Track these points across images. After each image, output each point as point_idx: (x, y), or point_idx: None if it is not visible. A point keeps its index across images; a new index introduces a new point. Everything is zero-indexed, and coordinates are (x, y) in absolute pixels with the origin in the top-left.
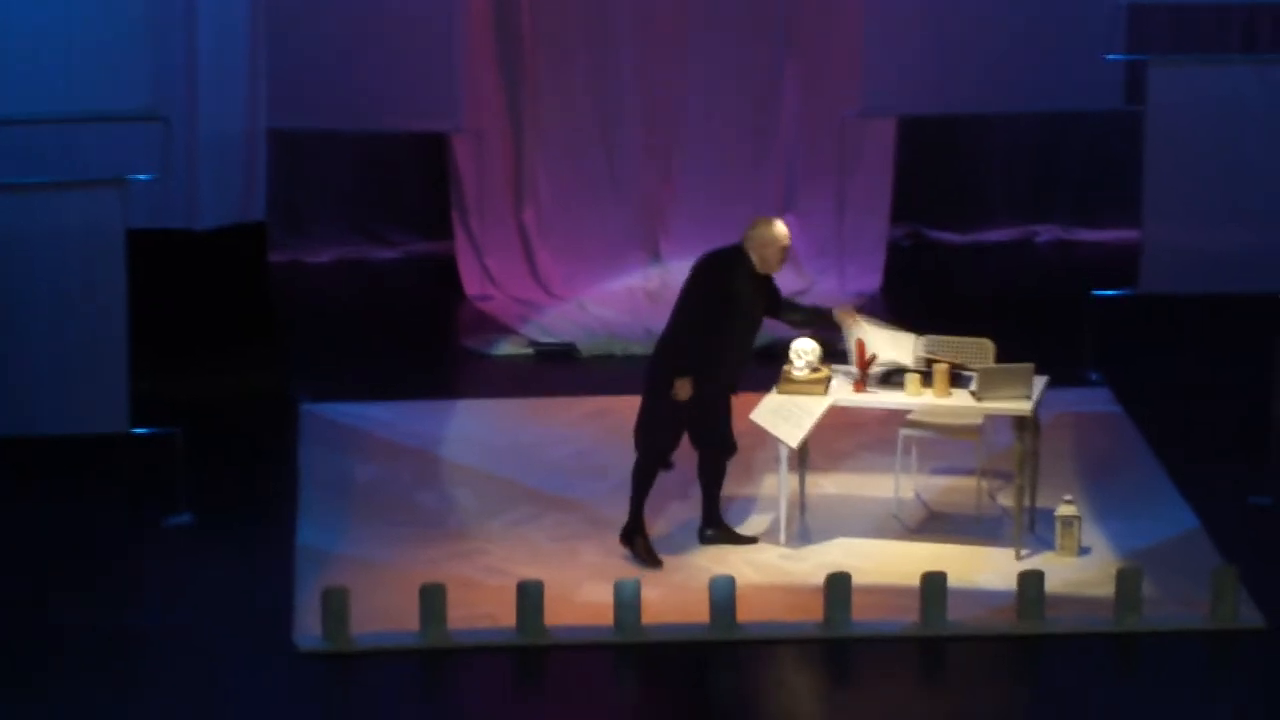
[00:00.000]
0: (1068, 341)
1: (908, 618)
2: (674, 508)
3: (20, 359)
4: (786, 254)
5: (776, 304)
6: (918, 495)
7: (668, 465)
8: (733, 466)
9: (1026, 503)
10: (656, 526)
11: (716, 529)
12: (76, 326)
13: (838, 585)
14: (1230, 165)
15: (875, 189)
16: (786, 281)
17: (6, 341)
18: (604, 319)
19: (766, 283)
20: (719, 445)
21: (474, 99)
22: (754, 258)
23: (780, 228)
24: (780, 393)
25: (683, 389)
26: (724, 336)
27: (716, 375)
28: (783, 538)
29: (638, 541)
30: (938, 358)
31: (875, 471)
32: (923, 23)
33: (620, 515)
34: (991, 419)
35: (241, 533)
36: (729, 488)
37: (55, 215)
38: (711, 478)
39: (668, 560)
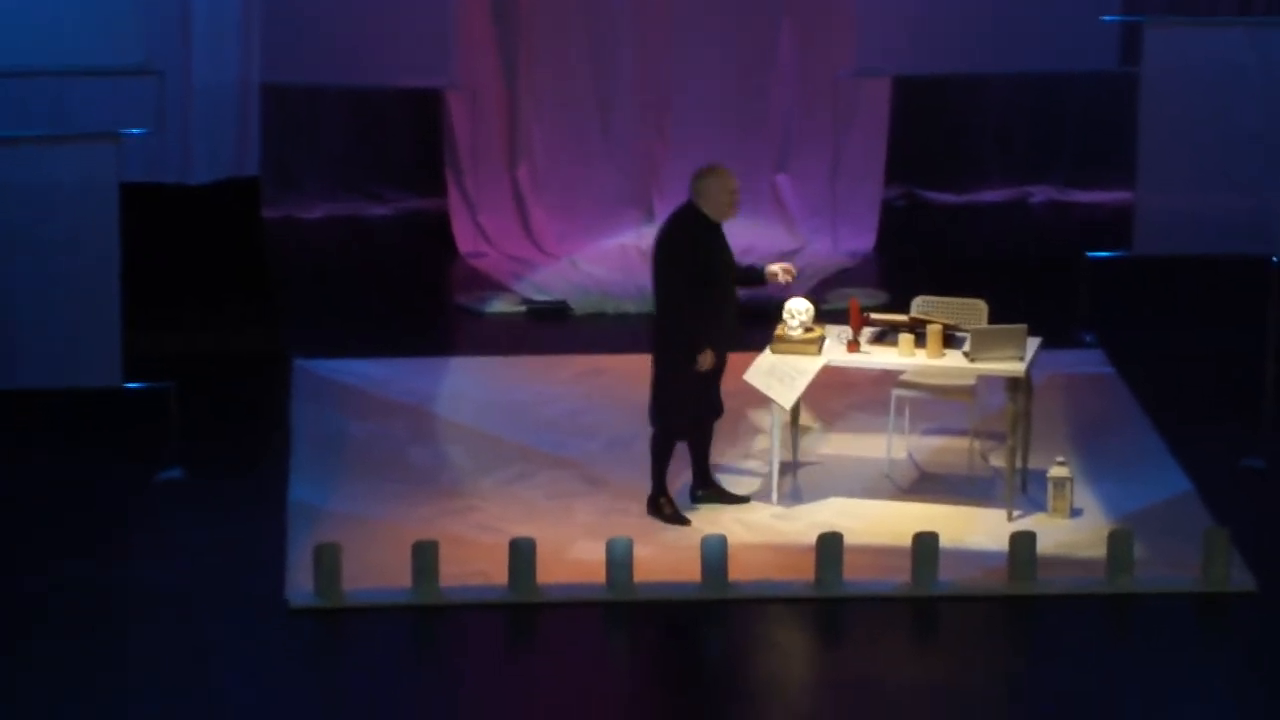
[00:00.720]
0: (1061, 303)
1: (899, 578)
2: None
3: (13, 312)
4: (736, 197)
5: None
6: (910, 456)
7: (684, 436)
8: (727, 425)
9: (1019, 464)
10: (645, 488)
11: (707, 489)
12: (69, 280)
13: (830, 545)
14: (1224, 128)
15: (869, 149)
16: (779, 241)
17: (1, 293)
18: (597, 277)
19: (720, 231)
20: (707, 410)
21: (468, 55)
22: (707, 210)
23: (725, 173)
24: (774, 352)
25: (705, 360)
26: (713, 293)
27: (721, 336)
28: (775, 497)
29: (663, 505)
30: (931, 318)
31: (868, 432)
32: None
33: (612, 474)
34: (984, 380)
35: (233, 488)
36: (721, 447)
37: (49, 169)
38: (699, 439)
39: (658, 520)
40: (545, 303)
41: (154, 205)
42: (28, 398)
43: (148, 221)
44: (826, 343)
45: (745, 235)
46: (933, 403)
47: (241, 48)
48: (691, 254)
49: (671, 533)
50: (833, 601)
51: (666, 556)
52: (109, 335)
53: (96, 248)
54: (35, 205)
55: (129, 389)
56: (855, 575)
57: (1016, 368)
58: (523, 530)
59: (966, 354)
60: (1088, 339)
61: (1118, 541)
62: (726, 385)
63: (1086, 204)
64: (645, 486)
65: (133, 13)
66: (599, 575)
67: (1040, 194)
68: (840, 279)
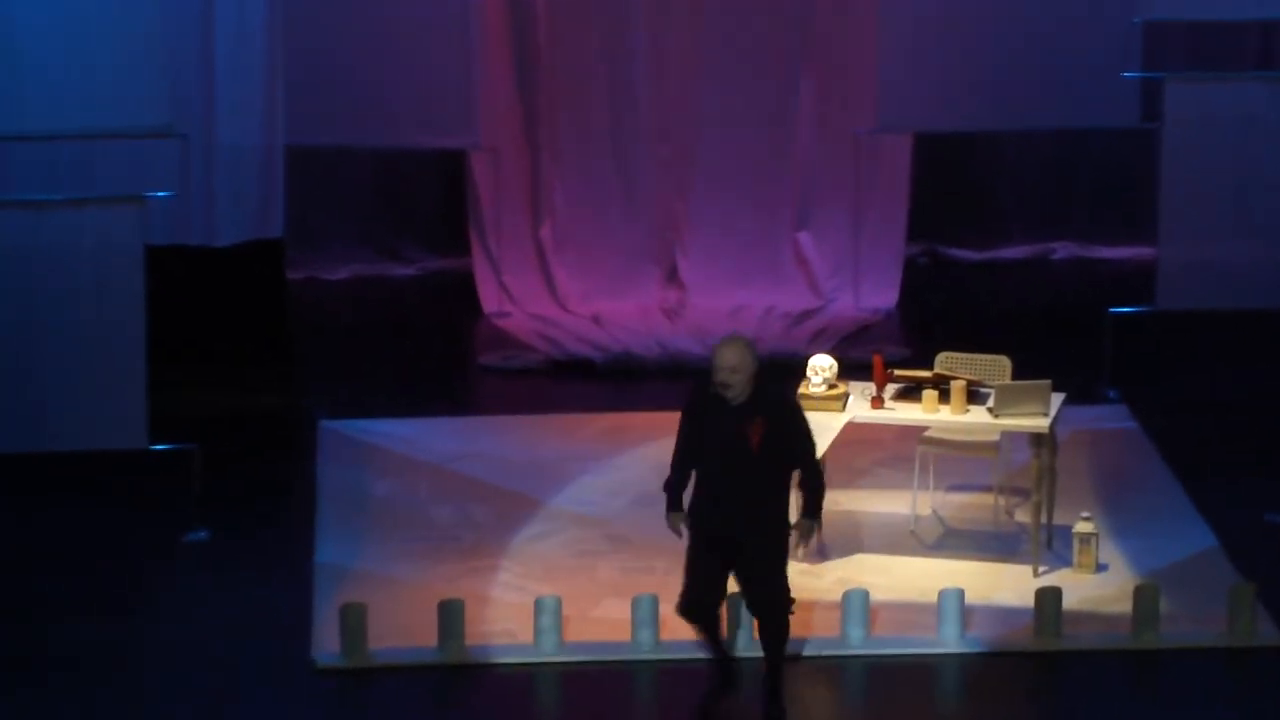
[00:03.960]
0: (1085, 358)
1: (925, 634)
2: None
3: (40, 374)
4: (720, 377)
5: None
6: (935, 511)
7: (686, 616)
8: None
9: (1044, 519)
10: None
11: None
12: (96, 342)
13: (855, 601)
14: (1246, 181)
15: (891, 206)
16: (802, 299)
17: (27, 357)
18: (620, 336)
19: (757, 415)
20: (711, 595)
21: (491, 116)
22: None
23: (720, 349)
24: None
25: (672, 522)
26: (704, 466)
27: (710, 515)
28: (800, 554)
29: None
30: (955, 375)
31: (892, 488)
32: (939, 39)
33: (636, 532)
34: (1009, 436)
35: (259, 549)
36: None
37: (74, 231)
38: (768, 640)
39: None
40: (569, 361)
41: (179, 267)
42: (55, 460)
43: (173, 283)
44: (850, 399)
45: (768, 293)
46: (957, 459)
47: (265, 109)
48: (687, 412)
49: None
50: (858, 659)
51: None
52: (135, 397)
53: (122, 309)
54: (62, 267)
55: (154, 450)
56: (881, 632)
57: (1041, 423)
58: (547, 589)
59: (991, 410)
60: (1111, 394)
61: (1143, 597)
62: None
63: (1109, 259)
64: (670, 544)
65: (158, 75)
66: (624, 634)
67: (1062, 250)
68: (863, 336)
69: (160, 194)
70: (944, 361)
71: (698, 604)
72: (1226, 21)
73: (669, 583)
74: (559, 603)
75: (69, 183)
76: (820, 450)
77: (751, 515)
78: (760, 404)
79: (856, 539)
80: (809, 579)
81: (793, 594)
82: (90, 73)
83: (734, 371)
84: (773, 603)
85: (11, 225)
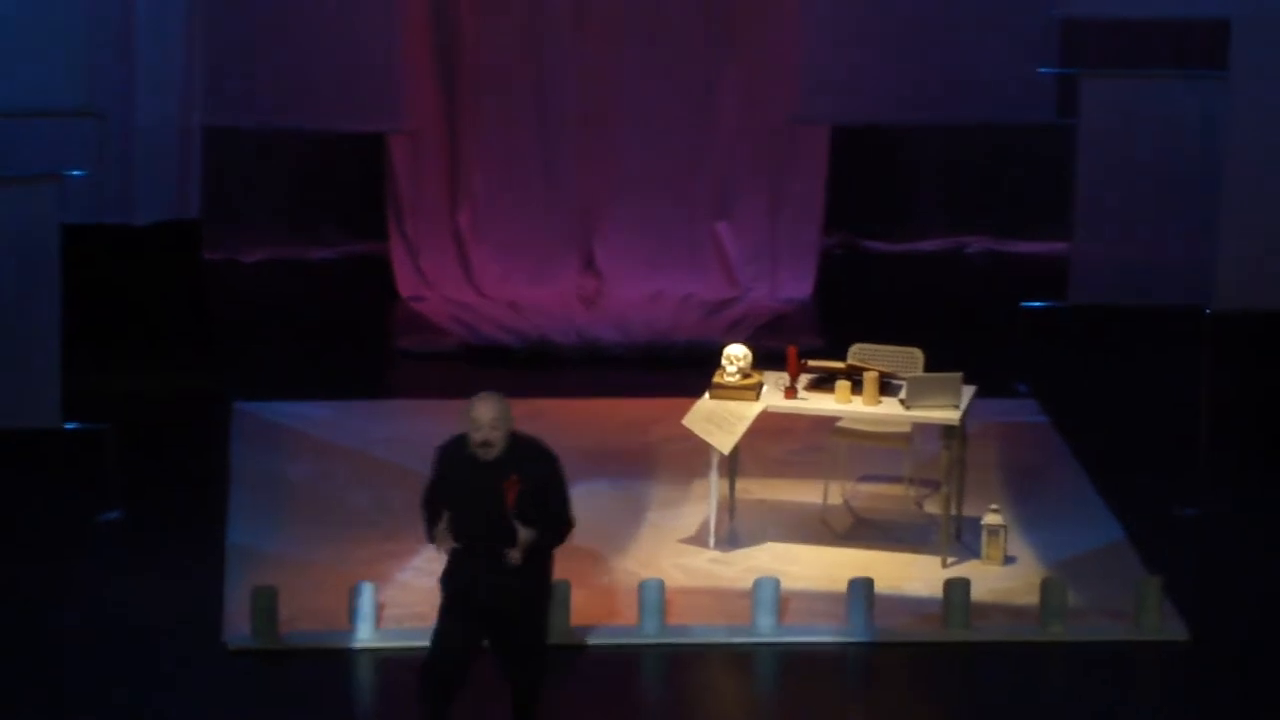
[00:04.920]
0: (996, 352)
1: (835, 623)
2: (605, 508)
3: None
4: (486, 436)
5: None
6: (846, 501)
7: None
8: (665, 469)
9: (953, 511)
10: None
11: None
12: (10, 320)
13: (766, 590)
14: (1161, 179)
15: (808, 197)
16: (718, 288)
17: None
18: (538, 322)
19: (512, 471)
20: (519, 671)
21: (411, 100)
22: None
23: (480, 407)
24: (712, 398)
25: (438, 536)
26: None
27: (460, 576)
28: (712, 541)
29: None
30: (867, 365)
31: (805, 478)
32: (858, 31)
33: None
34: (920, 427)
35: (172, 530)
36: (660, 491)
37: None
38: (521, 700)
39: (598, 563)
40: (485, 346)
41: (96, 246)
42: None
43: (89, 262)
44: (764, 389)
45: (685, 282)
46: (869, 449)
47: (184, 89)
48: (438, 470)
49: (608, 576)
50: (768, 647)
51: (603, 600)
52: (49, 375)
53: (37, 288)
54: None
55: (68, 429)
56: (791, 620)
57: (952, 416)
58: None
59: (903, 401)
60: (1021, 389)
61: (1051, 589)
62: (670, 430)
63: (1022, 254)
64: (582, 530)
65: (75, 54)
66: None
67: (977, 244)
68: (778, 326)
69: (77, 173)
70: (857, 353)
71: (440, 675)
72: (1142, 19)
73: (582, 568)
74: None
75: None
76: (733, 440)
77: (507, 577)
78: (516, 459)
79: (768, 528)
80: (721, 567)
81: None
82: (7, 51)
83: (494, 428)
84: (526, 671)
85: None
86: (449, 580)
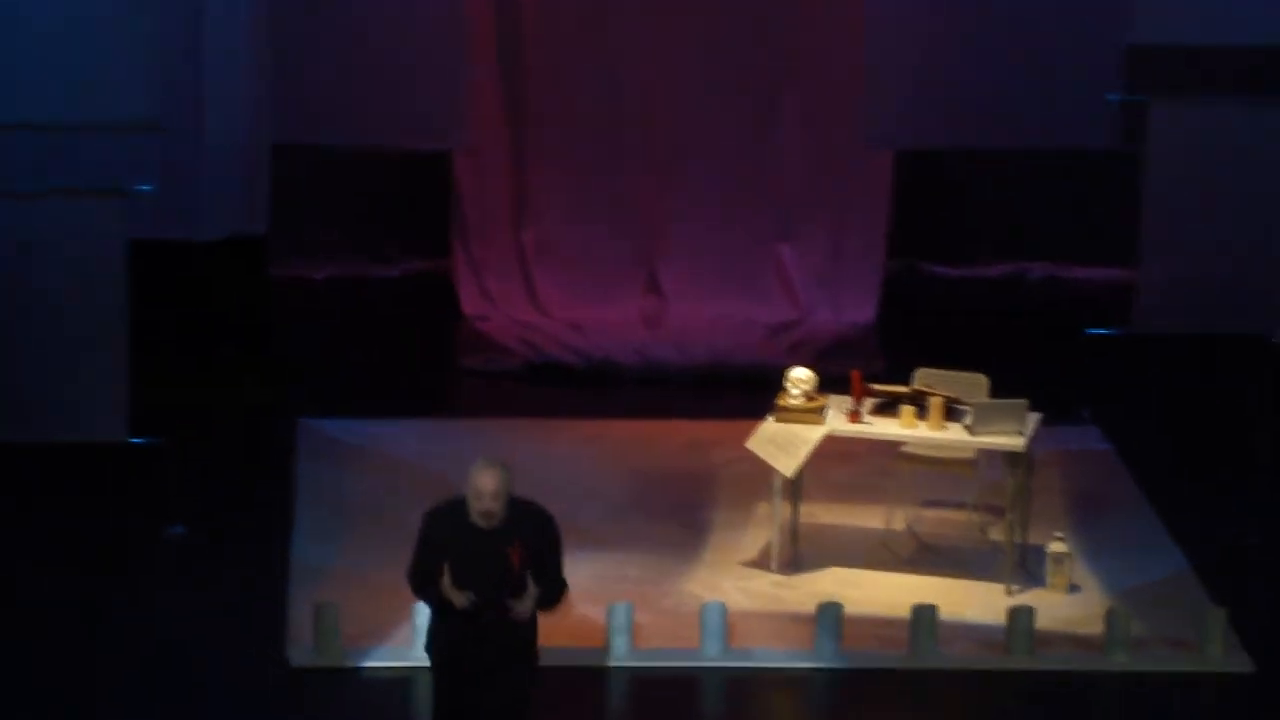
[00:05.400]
0: (1059, 378)
1: (897, 649)
2: (667, 530)
3: (21, 365)
4: (488, 506)
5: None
6: (910, 527)
7: None
8: (727, 492)
9: (1018, 538)
10: (648, 545)
11: None
12: (77, 334)
13: (829, 615)
14: (1225, 206)
15: (871, 222)
16: (781, 311)
17: (8, 348)
18: (600, 342)
19: (516, 535)
20: None
21: (477, 118)
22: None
23: (482, 477)
24: (776, 421)
25: (448, 591)
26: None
27: (458, 645)
28: (775, 565)
29: None
30: (933, 391)
31: (868, 503)
32: (924, 58)
33: (615, 536)
34: (984, 453)
35: (236, 545)
36: (723, 514)
37: (58, 223)
38: None
39: (660, 585)
40: (548, 366)
41: (162, 261)
42: (35, 451)
43: (156, 277)
44: (828, 412)
45: (747, 304)
46: (933, 475)
47: (252, 105)
48: (427, 543)
49: (671, 599)
50: (830, 672)
51: (666, 623)
52: (116, 390)
53: (104, 302)
54: (45, 258)
55: (134, 444)
56: (854, 645)
57: (1017, 442)
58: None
59: (968, 427)
60: (1085, 415)
61: (1116, 619)
62: (732, 453)
63: (1084, 280)
64: (646, 552)
65: (145, 69)
66: (598, 639)
67: (1039, 269)
68: (840, 349)
69: (144, 187)
70: (922, 378)
71: None
72: (1209, 45)
73: (644, 590)
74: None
75: (54, 175)
76: (797, 464)
77: (507, 639)
78: (516, 523)
79: (831, 553)
80: (783, 591)
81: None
82: (77, 65)
83: (496, 498)
84: None
85: None
86: (440, 644)
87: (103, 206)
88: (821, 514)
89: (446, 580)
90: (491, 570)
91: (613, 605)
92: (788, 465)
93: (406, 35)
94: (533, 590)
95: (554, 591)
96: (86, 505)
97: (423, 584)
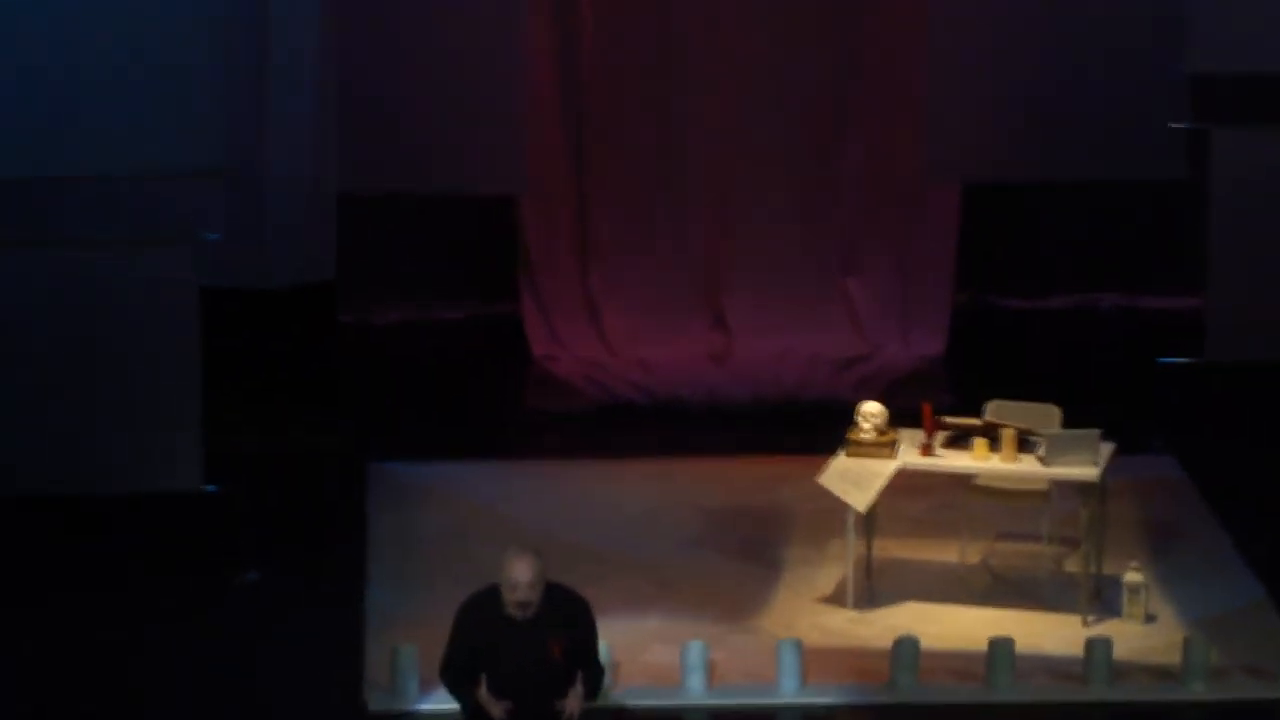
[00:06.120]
0: (1132, 408)
1: (975, 683)
2: (740, 568)
3: (96, 416)
4: (517, 596)
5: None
6: (985, 560)
7: None
8: (800, 528)
9: (1093, 569)
10: (721, 583)
11: None
12: (151, 383)
13: (905, 649)
14: None
15: (939, 253)
16: (849, 345)
17: (82, 398)
18: (668, 381)
19: (557, 625)
20: None
21: (539, 162)
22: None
23: (516, 566)
24: (847, 455)
25: (485, 700)
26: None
27: None
28: (850, 601)
29: None
30: (1004, 422)
31: (942, 536)
32: (988, 90)
33: (684, 578)
34: (1058, 485)
35: (311, 590)
36: (798, 551)
37: (129, 272)
38: None
39: (735, 623)
40: (618, 405)
41: (233, 309)
42: (108, 502)
43: (227, 325)
44: (900, 446)
45: (814, 339)
46: (1007, 507)
47: (318, 152)
48: (462, 638)
49: (746, 636)
50: (908, 708)
51: (741, 661)
52: (191, 438)
53: (178, 350)
54: (116, 308)
55: (209, 491)
56: (931, 680)
57: (1091, 472)
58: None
59: (1041, 458)
60: (1159, 444)
61: (1193, 648)
62: (803, 489)
63: (1155, 310)
64: (718, 590)
65: (212, 117)
66: (674, 679)
67: (1109, 299)
68: (910, 383)
69: (213, 236)
70: (994, 410)
71: None
72: (1271, 73)
73: (718, 629)
74: (608, 649)
75: (124, 225)
76: (870, 499)
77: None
78: (554, 611)
79: (906, 586)
80: (859, 626)
81: None
82: (145, 114)
83: (532, 587)
84: None
85: (67, 266)
86: None
87: (172, 255)
88: (895, 549)
89: (483, 690)
90: (531, 664)
91: (687, 644)
92: (860, 500)
93: (469, 83)
94: (579, 690)
95: (597, 681)
96: (163, 554)
97: (456, 680)
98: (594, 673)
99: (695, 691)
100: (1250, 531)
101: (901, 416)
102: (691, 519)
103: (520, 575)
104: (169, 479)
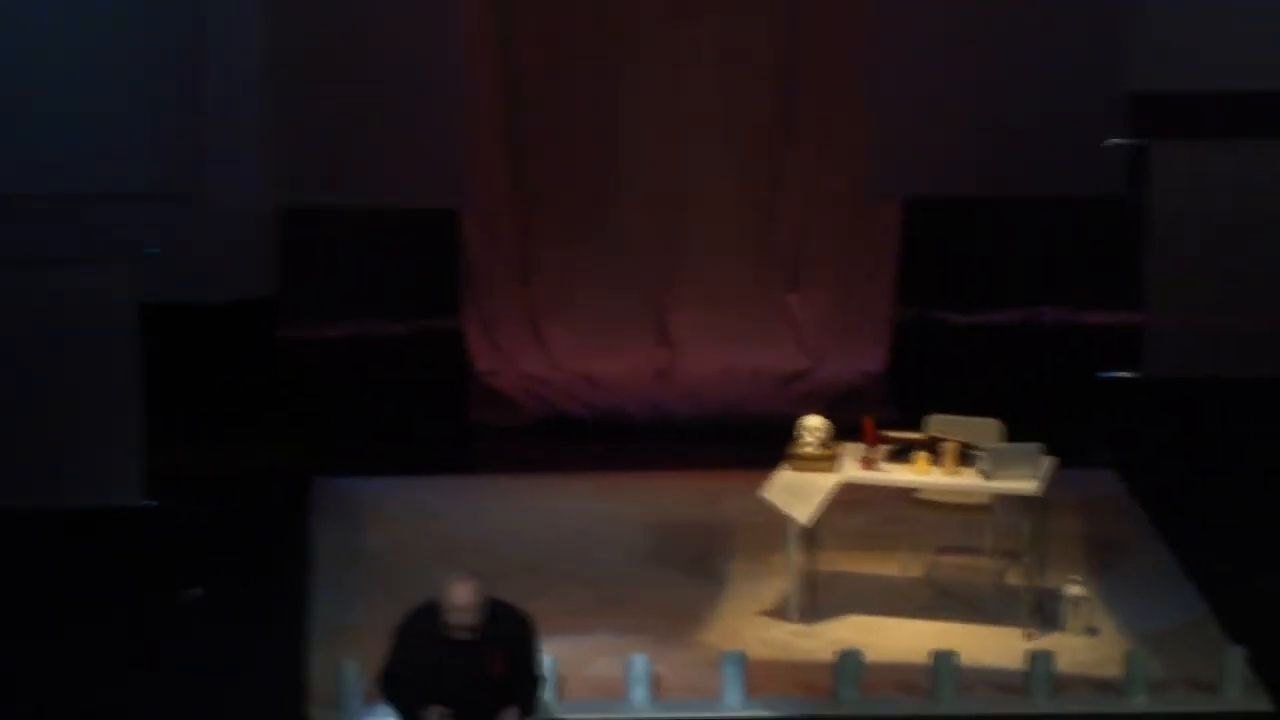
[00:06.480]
0: (1073, 423)
1: (917, 696)
2: (684, 581)
3: (36, 432)
4: (464, 620)
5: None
6: (927, 573)
7: None
8: (743, 542)
9: (1035, 582)
10: (665, 596)
11: None
12: (91, 399)
13: (849, 662)
14: (1232, 249)
15: (880, 270)
16: (791, 360)
17: (23, 414)
18: (612, 395)
19: (497, 645)
20: None
21: (480, 177)
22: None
23: (457, 592)
24: (790, 469)
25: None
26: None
27: None
28: (793, 614)
29: None
30: (946, 436)
31: (884, 549)
32: (928, 108)
33: (631, 588)
34: (1000, 498)
35: (254, 605)
36: (740, 565)
37: (69, 289)
38: None
39: (678, 636)
40: (560, 420)
41: (172, 326)
42: (48, 517)
43: (166, 341)
44: (843, 460)
45: (755, 355)
46: (948, 521)
47: (258, 169)
48: (399, 643)
49: (689, 650)
50: (852, 719)
51: (685, 674)
52: (131, 454)
53: (117, 367)
54: (57, 325)
55: (149, 507)
56: (874, 693)
57: (1032, 486)
58: (540, 648)
59: (982, 472)
60: (1099, 459)
61: (1135, 661)
62: (746, 503)
63: (1095, 325)
64: (662, 603)
65: (150, 137)
66: (618, 692)
67: (1050, 314)
68: (852, 398)
69: (152, 252)
70: (935, 424)
71: None
72: (1208, 92)
73: (662, 643)
74: (553, 662)
75: (65, 243)
76: (813, 512)
77: None
78: (497, 627)
79: (849, 600)
80: (802, 639)
81: None
82: (83, 135)
83: (474, 610)
84: None
85: (8, 283)
86: None
87: (113, 272)
88: (838, 562)
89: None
90: (471, 680)
91: (631, 657)
92: (803, 513)
93: (408, 97)
94: (515, 711)
95: (534, 695)
96: (103, 570)
97: (395, 693)
98: (531, 686)
99: (639, 704)
100: (1190, 545)
101: (844, 431)
102: (635, 533)
103: (462, 599)
104: (109, 495)
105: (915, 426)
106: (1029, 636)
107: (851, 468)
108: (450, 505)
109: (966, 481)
